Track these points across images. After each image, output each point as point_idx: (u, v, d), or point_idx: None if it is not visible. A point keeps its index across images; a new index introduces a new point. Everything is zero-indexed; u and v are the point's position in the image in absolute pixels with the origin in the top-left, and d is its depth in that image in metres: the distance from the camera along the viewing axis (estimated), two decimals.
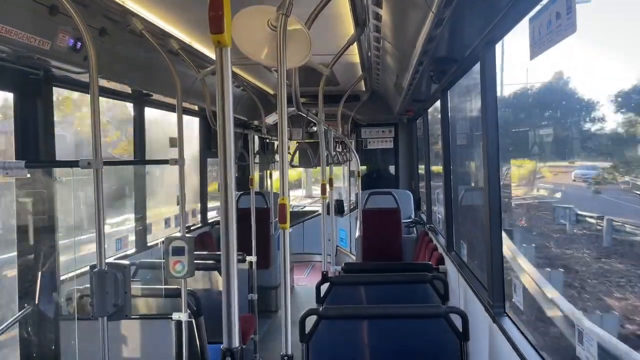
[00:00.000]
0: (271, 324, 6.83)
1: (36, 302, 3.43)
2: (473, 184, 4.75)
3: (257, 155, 8.43)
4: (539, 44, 2.11)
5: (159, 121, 5.66)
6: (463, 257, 4.41)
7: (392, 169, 9.03)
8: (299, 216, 10.60)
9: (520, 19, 2.47)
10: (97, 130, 2.56)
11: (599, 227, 4.67)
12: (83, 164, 2.47)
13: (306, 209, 11.86)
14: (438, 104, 5.38)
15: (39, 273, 3.44)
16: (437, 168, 6.30)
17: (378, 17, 3.39)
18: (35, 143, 3.44)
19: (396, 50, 4.14)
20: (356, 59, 5.09)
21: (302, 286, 8.86)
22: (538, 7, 2.15)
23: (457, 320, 2.90)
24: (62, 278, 3.62)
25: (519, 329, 2.76)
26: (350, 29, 3.82)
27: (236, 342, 1.50)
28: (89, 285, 2.57)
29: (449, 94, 4.90)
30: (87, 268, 3.17)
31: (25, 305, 3.42)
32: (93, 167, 2.47)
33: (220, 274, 2.99)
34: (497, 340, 2.91)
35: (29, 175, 2.54)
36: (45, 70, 3.40)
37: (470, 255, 4.22)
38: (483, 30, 2.88)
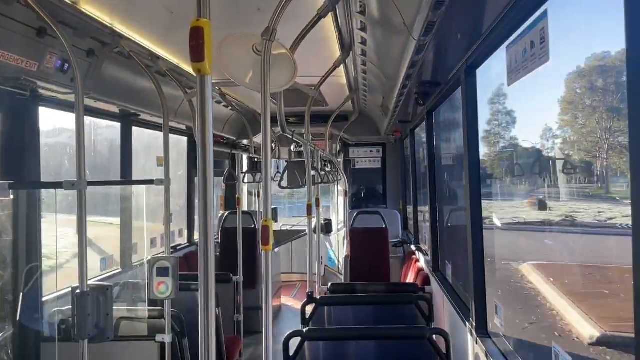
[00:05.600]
0: (257, 345, 6.77)
1: (17, 323, 3.39)
2: (457, 206, 4.80)
3: (246, 175, 8.45)
4: (515, 72, 2.18)
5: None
6: (448, 278, 4.43)
7: (380, 188, 9.08)
8: (287, 235, 10.58)
9: (498, 47, 2.54)
10: (82, 151, 2.57)
11: None
12: (67, 186, 2.48)
13: (295, 228, 11.84)
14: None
15: (21, 294, 3.41)
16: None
17: (363, 41, 3.46)
18: (20, 164, 3.43)
19: (381, 73, 4.21)
20: (344, 80, 5.16)
21: (289, 306, 8.81)
22: (514, 36, 2.22)
23: (441, 341, 2.91)
24: (44, 299, 3.58)
25: (500, 351, 2.78)
26: (336, 51, 3.88)
27: None
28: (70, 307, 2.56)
29: (434, 116, 4.97)
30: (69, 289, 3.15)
31: (6, 327, 3.37)
32: (77, 189, 2.47)
33: None
34: None
35: (12, 197, 2.54)
36: (32, 90, 3.41)
37: (456, 276, 4.25)
38: (463, 56, 2.96)
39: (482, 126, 3.27)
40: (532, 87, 2.27)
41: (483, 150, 3.29)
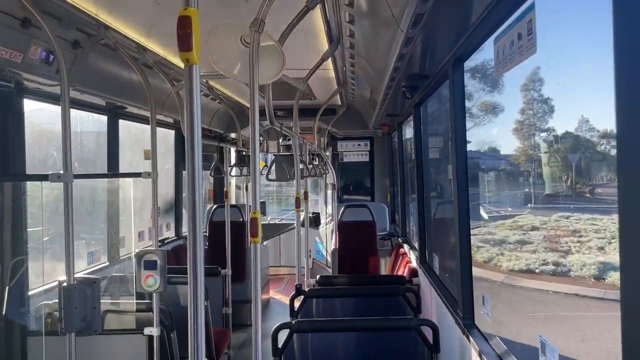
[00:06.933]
0: (246, 338, 6.77)
1: (2, 317, 3.36)
2: (444, 199, 4.83)
3: (234, 168, 8.44)
4: (502, 63, 2.19)
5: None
6: (435, 270, 4.46)
7: (368, 182, 9.11)
8: (276, 229, 10.58)
9: (485, 39, 2.55)
10: (68, 143, 2.55)
11: None
12: (53, 178, 2.46)
13: (283, 221, 11.85)
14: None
15: (7, 288, 3.37)
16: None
17: (352, 34, 3.46)
18: (4, 156, 3.39)
19: (370, 66, 4.22)
20: (332, 73, 5.15)
21: (277, 300, 8.83)
22: (502, 28, 2.23)
23: (428, 332, 2.94)
24: (30, 293, 3.55)
25: (487, 341, 2.81)
26: (325, 44, 3.88)
27: (203, 358, 1.50)
28: (57, 300, 2.54)
29: (422, 109, 4.99)
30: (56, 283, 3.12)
31: None
32: (63, 181, 2.45)
33: None
34: (467, 351, 2.96)
35: None
36: (17, 82, 3.36)
37: (442, 268, 4.29)
38: (451, 49, 2.97)
39: (515, 116, 2.88)
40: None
41: (515, 143, 3.09)
